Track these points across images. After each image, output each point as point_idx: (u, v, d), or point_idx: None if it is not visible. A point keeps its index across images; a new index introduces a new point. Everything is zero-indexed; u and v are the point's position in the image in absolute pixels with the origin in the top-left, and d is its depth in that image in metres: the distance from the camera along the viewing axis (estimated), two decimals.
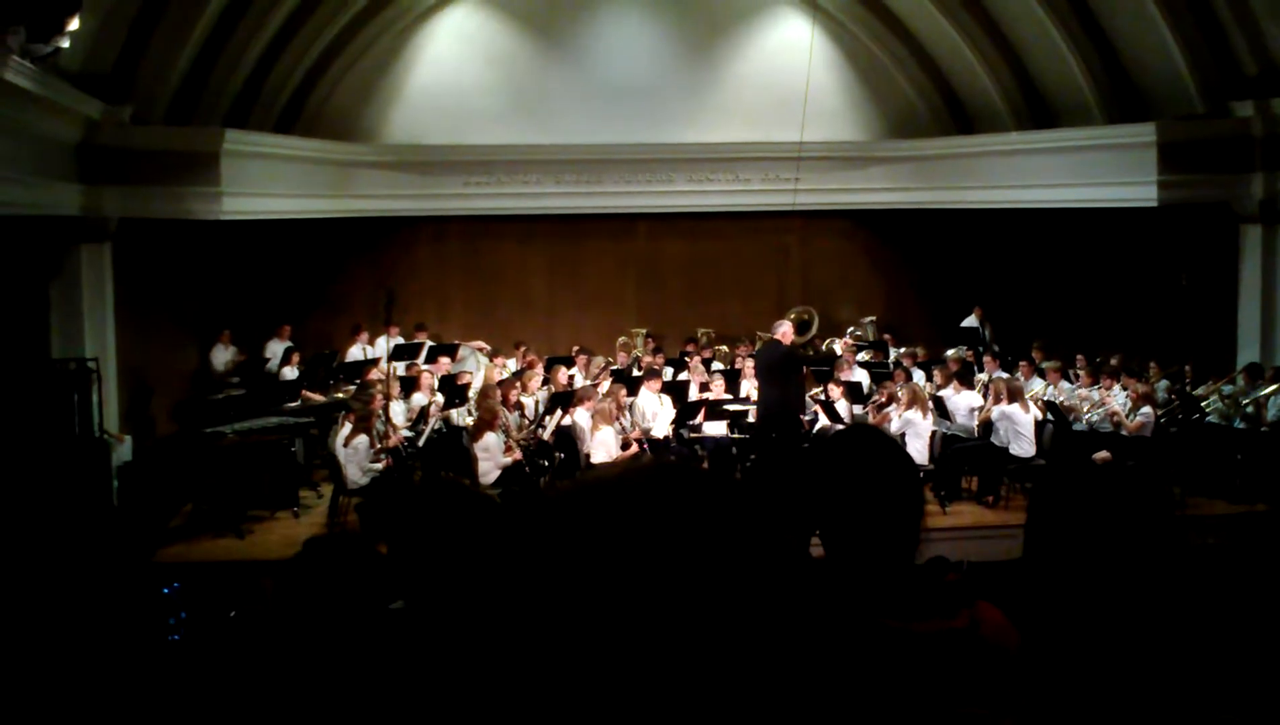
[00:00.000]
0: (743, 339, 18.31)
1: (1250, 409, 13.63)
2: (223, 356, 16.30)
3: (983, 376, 15.07)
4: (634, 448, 13.33)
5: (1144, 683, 2.06)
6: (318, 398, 15.38)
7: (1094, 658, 2.08)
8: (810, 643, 0.93)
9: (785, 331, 13.57)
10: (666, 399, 14.35)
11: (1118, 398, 13.49)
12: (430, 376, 14.44)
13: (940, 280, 19.14)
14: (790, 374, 13.58)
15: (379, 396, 12.88)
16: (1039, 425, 13.41)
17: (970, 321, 17.92)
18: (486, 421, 12.51)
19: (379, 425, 12.69)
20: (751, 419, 13.98)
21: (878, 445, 2.57)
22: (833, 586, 2.38)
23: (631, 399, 14.14)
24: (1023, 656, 2.28)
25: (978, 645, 2.29)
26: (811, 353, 17.96)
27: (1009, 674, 2.28)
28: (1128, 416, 13.18)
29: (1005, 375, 14.50)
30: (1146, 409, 13.20)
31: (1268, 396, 13.55)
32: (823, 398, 14.10)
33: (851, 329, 18.92)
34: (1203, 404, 13.91)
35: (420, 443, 13.16)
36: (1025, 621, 2.34)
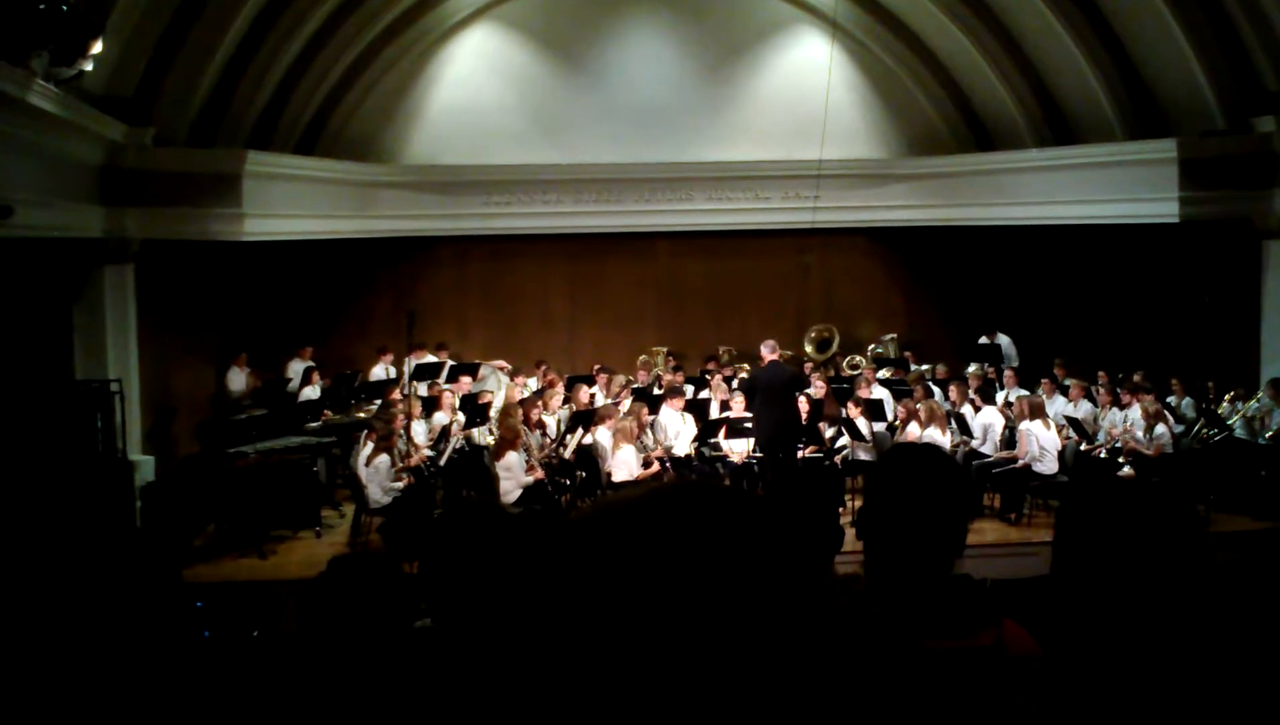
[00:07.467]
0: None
1: (1269, 433, 13.58)
2: (238, 380, 16.29)
3: (1003, 394, 15.03)
4: (655, 466, 13.28)
5: (1170, 700, 2.05)
6: (328, 414, 15.39)
7: (1120, 676, 2.07)
8: (839, 660, 0.93)
9: (776, 351, 13.52)
10: (688, 417, 14.28)
11: (1136, 424, 13.40)
12: (452, 396, 14.43)
13: (961, 297, 19.07)
14: (794, 396, 13.45)
15: (400, 416, 12.90)
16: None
17: (984, 341, 17.79)
18: (508, 440, 12.50)
19: (400, 444, 12.70)
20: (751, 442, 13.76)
21: (932, 462, 2.57)
22: (866, 603, 2.38)
23: (653, 417, 14.09)
24: (1048, 675, 2.27)
25: (1004, 664, 2.28)
26: (833, 372, 17.92)
27: (1034, 692, 2.27)
28: (1146, 437, 13.16)
29: (1026, 393, 14.46)
30: (1161, 428, 13.16)
31: None
32: (844, 417, 14.05)
33: (872, 347, 18.88)
34: (1228, 421, 13.85)
35: (442, 462, 13.17)
36: (1051, 639, 2.33)
